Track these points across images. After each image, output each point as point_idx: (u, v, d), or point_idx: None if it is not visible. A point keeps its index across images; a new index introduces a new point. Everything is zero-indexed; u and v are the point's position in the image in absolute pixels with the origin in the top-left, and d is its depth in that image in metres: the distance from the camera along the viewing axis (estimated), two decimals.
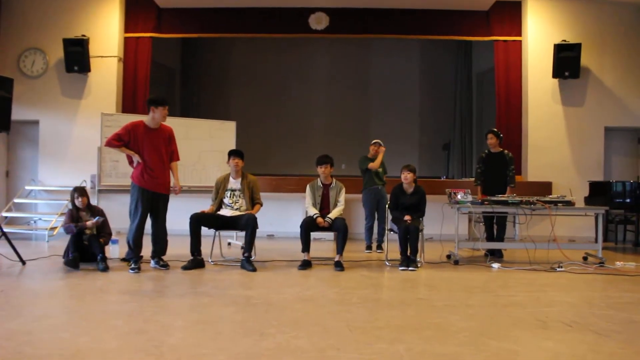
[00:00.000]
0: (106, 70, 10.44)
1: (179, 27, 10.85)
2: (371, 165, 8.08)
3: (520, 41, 10.50)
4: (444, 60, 14.39)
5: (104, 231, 6.54)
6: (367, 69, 14.91)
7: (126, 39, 10.66)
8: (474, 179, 8.05)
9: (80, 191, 6.53)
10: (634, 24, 10.27)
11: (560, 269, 6.64)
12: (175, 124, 6.80)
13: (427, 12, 10.57)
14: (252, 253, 6.42)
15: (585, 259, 7.40)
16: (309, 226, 6.44)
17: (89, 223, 6.34)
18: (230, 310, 4.39)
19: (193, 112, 13.77)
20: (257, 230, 6.41)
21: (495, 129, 8.05)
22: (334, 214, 6.53)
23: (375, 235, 8.21)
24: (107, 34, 10.47)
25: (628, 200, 8.68)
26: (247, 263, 6.21)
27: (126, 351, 3.35)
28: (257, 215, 6.50)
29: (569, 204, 7.19)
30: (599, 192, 9.17)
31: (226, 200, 6.65)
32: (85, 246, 6.24)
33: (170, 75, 13.99)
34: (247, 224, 6.31)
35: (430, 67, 14.78)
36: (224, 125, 9.37)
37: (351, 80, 14.73)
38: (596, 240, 7.50)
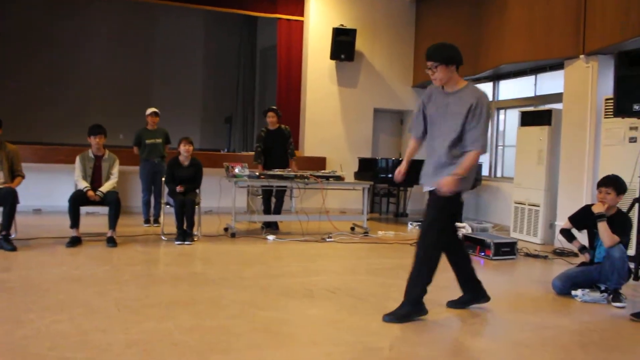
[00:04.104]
0: None
1: None
2: (149, 141, 7.87)
3: (303, 21, 10.84)
4: (229, 33, 14.33)
5: None
6: (150, 37, 14.25)
7: None
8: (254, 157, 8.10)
9: None
10: (402, 14, 11.21)
11: (329, 240, 7.12)
12: None
13: None
14: (13, 230, 5.87)
15: (352, 229, 8.03)
16: (78, 200, 6.05)
17: None
18: None
19: None
20: (20, 205, 5.87)
21: (275, 107, 8.27)
22: (106, 187, 6.20)
23: (152, 210, 8.00)
24: None
25: (390, 176, 9.52)
26: (5, 242, 5.63)
27: None
28: (19, 188, 5.92)
29: (339, 178, 7.73)
30: (367, 168, 9.94)
31: None
32: None
33: None
34: (5, 199, 5.70)
35: (215, 39, 14.64)
36: None
37: (133, 47, 13.94)
38: (363, 212, 8.15)
